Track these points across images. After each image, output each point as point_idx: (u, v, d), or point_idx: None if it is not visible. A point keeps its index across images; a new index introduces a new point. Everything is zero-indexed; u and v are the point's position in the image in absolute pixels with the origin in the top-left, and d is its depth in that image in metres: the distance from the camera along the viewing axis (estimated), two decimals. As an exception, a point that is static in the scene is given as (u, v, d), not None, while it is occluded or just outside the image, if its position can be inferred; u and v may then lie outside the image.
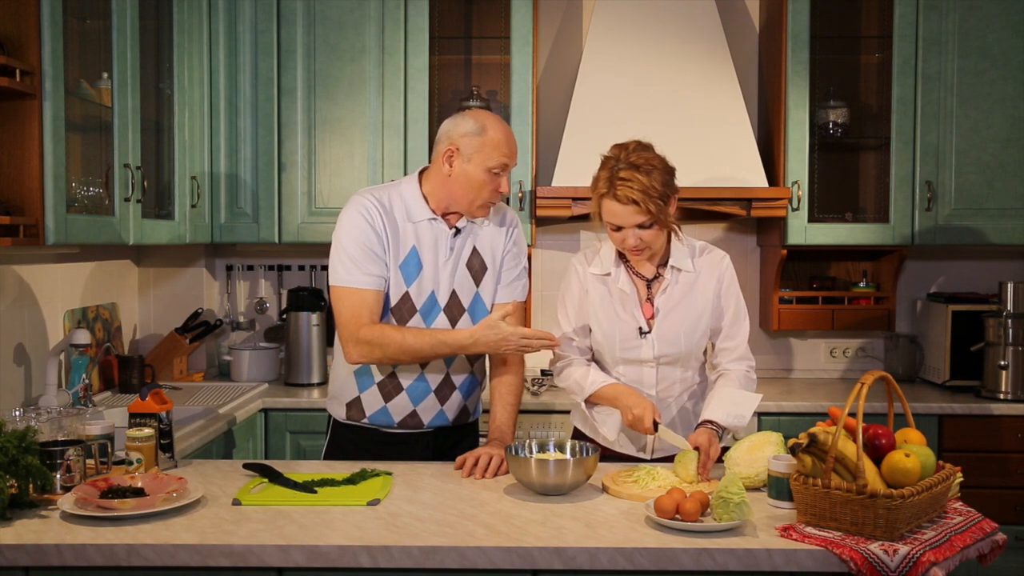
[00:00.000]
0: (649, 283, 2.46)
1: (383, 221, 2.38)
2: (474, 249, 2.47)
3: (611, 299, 2.45)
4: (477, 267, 2.47)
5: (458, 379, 2.50)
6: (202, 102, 3.50)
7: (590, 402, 2.47)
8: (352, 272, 2.36)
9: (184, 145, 3.34)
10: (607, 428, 2.47)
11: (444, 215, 2.44)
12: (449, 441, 2.55)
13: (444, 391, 2.48)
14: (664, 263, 2.46)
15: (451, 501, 2.05)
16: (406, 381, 2.45)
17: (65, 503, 1.93)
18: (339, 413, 2.54)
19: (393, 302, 2.40)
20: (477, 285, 2.47)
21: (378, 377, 2.46)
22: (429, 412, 2.48)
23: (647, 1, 3.73)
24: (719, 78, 3.68)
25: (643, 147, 2.36)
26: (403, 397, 2.46)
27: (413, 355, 2.36)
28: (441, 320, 2.43)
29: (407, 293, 2.40)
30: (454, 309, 2.44)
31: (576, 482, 2.10)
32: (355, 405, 2.50)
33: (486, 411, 2.69)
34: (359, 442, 2.52)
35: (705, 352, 2.53)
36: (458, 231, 2.44)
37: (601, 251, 2.49)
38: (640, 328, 2.42)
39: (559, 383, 2.55)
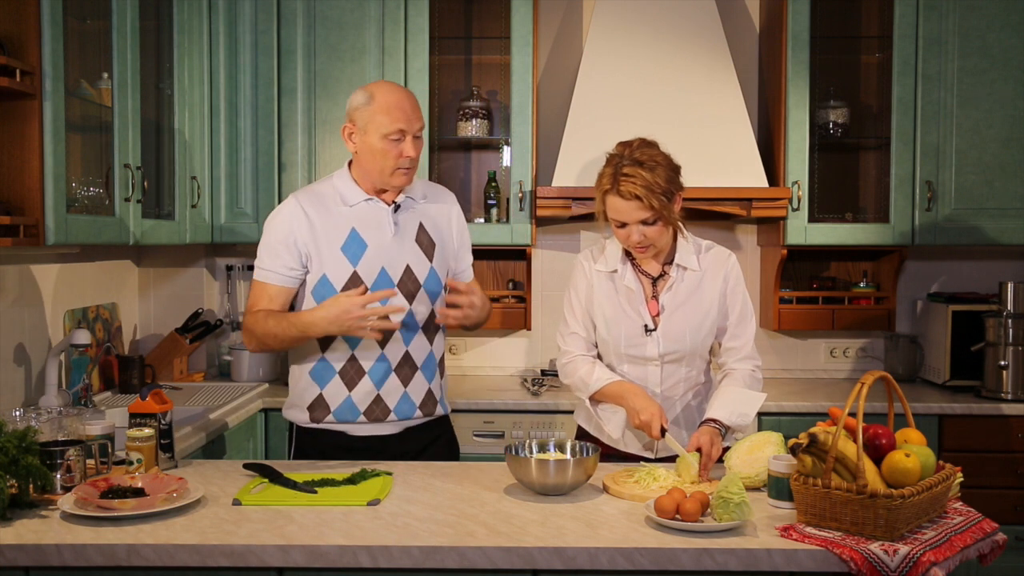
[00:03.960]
0: (655, 281, 2.47)
1: (307, 217, 2.42)
2: (420, 225, 2.50)
3: (617, 296, 2.46)
4: (426, 243, 2.50)
5: (418, 357, 2.48)
6: (202, 102, 3.50)
7: (594, 399, 2.47)
8: (258, 267, 2.45)
9: (184, 145, 3.34)
10: (612, 426, 2.47)
11: (379, 195, 2.47)
12: (420, 442, 2.53)
13: (405, 370, 2.47)
14: (670, 261, 2.46)
15: (451, 501, 2.05)
16: (367, 363, 2.44)
17: (65, 503, 1.93)
18: (301, 418, 2.50)
19: (339, 285, 2.41)
20: (431, 260, 2.49)
21: (338, 365, 2.44)
22: (393, 396, 2.46)
23: (647, 1, 3.73)
24: (719, 78, 3.68)
25: (647, 144, 2.37)
26: (366, 382, 2.44)
27: (273, 337, 2.39)
28: (397, 296, 2.44)
29: (355, 273, 2.42)
30: (409, 284, 2.45)
31: (576, 482, 2.10)
32: (318, 405, 2.47)
33: (455, 411, 2.72)
34: (324, 449, 2.47)
35: (711, 352, 2.53)
36: (398, 207, 2.47)
37: (607, 248, 2.50)
38: (646, 325, 2.43)
39: (563, 379, 2.54)
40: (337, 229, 2.43)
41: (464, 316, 2.43)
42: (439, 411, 2.57)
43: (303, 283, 2.45)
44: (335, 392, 2.46)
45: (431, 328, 2.51)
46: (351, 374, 2.44)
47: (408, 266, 2.45)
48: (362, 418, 2.46)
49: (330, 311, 2.30)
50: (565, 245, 4.08)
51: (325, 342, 2.45)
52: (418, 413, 2.50)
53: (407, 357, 2.47)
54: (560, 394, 3.57)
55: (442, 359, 2.59)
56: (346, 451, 2.46)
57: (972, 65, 3.62)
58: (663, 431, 2.28)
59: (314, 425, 2.49)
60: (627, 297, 2.45)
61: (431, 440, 2.56)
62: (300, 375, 2.50)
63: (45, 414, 2.31)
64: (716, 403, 2.37)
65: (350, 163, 2.51)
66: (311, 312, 2.35)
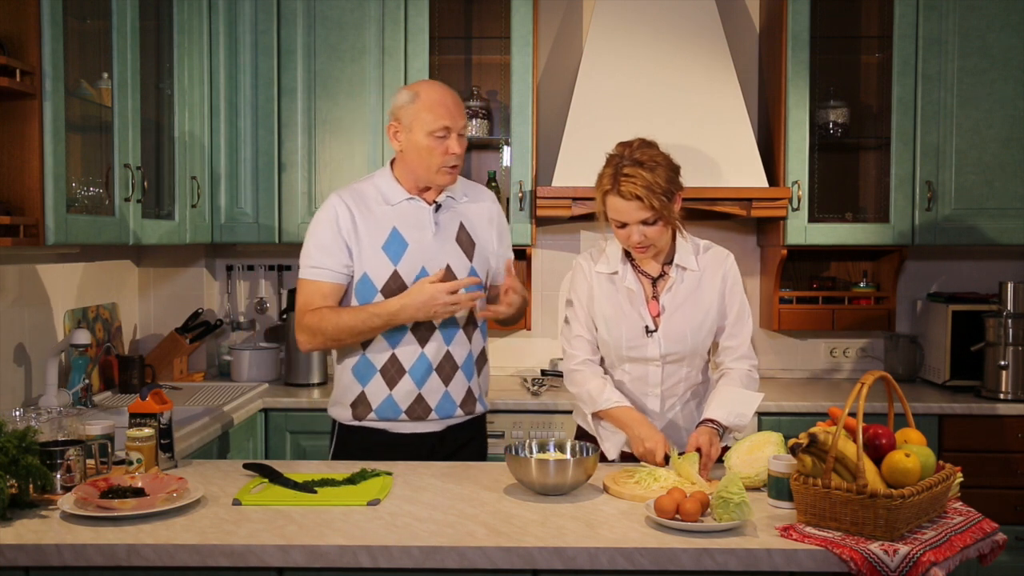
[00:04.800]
0: (655, 281, 2.47)
1: (351, 214, 2.44)
2: (460, 225, 2.51)
3: (618, 297, 2.46)
4: (466, 242, 2.51)
5: (458, 355, 2.49)
6: (202, 102, 3.50)
7: (597, 416, 2.47)
8: (306, 266, 2.45)
9: (184, 145, 3.34)
10: (609, 445, 2.47)
11: (421, 194, 2.48)
12: (458, 441, 2.55)
13: (446, 369, 2.48)
14: (669, 261, 2.46)
15: (451, 501, 2.05)
16: (407, 362, 2.45)
17: (65, 503, 1.93)
18: (344, 415, 2.53)
19: (380, 284, 2.43)
20: (471, 260, 2.50)
21: (379, 363, 2.45)
22: (435, 395, 2.47)
23: (647, 1, 3.73)
24: (719, 78, 3.68)
25: (647, 144, 2.37)
26: (407, 381, 2.45)
27: (350, 331, 2.39)
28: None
29: (396, 272, 2.43)
30: None
31: (576, 482, 2.10)
32: (360, 402, 2.49)
33: (491, 411, 2.68)
34: (367, 446, 2.49)
35: (709, 351, 2.54)
36: (439, 206, 2.48)
37: (607, 249, 2.50)
38: (647, 327, 2.43)
39: (569, 387, 2.53)
40: (379, 228, 2.44)
41: (507, 307, 2.43)
42: (479, 409, 2.59)
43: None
44: (377, 390, 2.47)
45: (471, 327, 2.52)
46: (392, 373, 2.46)
47: (448, 266, 2.46)
48: (404, 416, 2.47)
49: (418, 297, 2.33)
50: (565, 245, 4.08)
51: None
52: (459, 412, 2.52)
53: (448, 356, 2.48)
54: (560, 394, 3.57)
55: (481, 355, 2.59)
56: (387, 448, 2.47)
57: (972, 65, 3.62)
58: (666, 459, 2.28)
59: (356, 423, 2.50)
60: (628, 298, 2.45)
61: (468, 439, 2.58)
62: (343, 372, 2.51)
63: (45, 414, 2.31)
64: (714, 403, 2.37)
65: (392, 162, 2.52)
66: (396, 299, 2.37)
